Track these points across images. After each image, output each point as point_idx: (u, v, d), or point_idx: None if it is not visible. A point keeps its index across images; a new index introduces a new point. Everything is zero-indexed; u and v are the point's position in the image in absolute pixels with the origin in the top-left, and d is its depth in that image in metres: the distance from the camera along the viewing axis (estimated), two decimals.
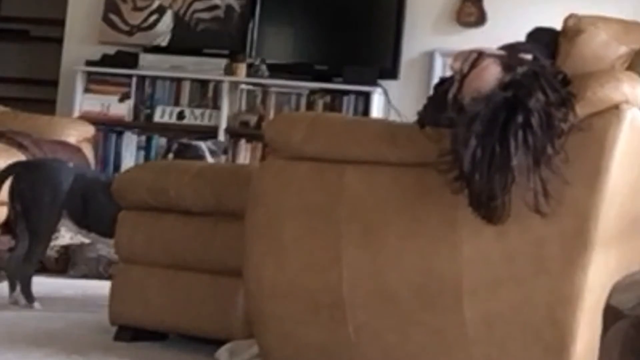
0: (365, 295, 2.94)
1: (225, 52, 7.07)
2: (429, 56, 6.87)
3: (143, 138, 7.08)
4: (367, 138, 2.99)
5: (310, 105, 6.86)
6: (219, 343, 3.40)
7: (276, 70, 6.97)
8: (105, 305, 3.77)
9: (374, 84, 6.77)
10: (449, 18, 6.90)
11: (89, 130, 6.45)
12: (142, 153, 7.05)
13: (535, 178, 2.67)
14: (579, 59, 3.10)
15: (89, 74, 7.15)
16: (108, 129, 7.08)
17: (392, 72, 6.83)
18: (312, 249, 3.00)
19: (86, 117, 6.82)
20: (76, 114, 7.02)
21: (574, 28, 3.16)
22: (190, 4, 7.17)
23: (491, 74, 2.77)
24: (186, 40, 7.16)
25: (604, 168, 2.72)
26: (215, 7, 7.13)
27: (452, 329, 2.85)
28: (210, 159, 4.52)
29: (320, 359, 3.04)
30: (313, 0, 7.22)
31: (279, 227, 3.06)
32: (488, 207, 2.70)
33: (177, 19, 7.18)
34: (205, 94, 7.07)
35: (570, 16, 3.21)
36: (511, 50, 2.95)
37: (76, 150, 6.10)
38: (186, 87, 7.10)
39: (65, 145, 6.06)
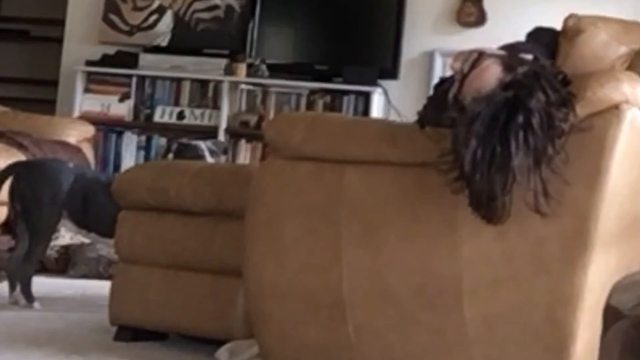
0: (365, 295, 2.94)
1: (225, 52, 7.07)
2: (429, 56, 6.87)
3: (143, 138, 7.08)
4: (367, 138, 2.99)
5: (310, 105, 6.87)
6: (219, 343, 3.40)
7: (276, 70, 6.97)
8: (105, 305, 3.77)
9: (374, 84, 6.77)
10: (449, 18, 6.90)
11: (89, 130, 6.45)
12: (142, 153, 7.05)
13: (536, 178, 2.67)
14: (579, 59, 3.10)
15: (89, 74, 7.15)
16: (108, 129, 7.08)
17: (392, 72, 6.83)
18: (312, 249, 3.00)
19: (86, 117, 6.82)
20: (76, 114, 7.02)
21: (574, 28, 3.16)
22: (190, 4, 7.17)
23: (492, 74, 2.77)
24: (186, 40, 7.16)
25: (604, 168, 2.72)
26: (215, 7, 7.13)
27: (452, 329, 2.84)
28: (210, 159, 4.52)
29: (320, 359, 3.04)
30: (313, 0, 7.22)
31: (278, 227, 3.06)
32: (488, 207, 2.70)
33: (177, 19, 7.18)
34: (205, 94, 7.07)
35: (570, 16, 3.21)
36: (511, 50, 2.95)
37: (76, 150, 6.10)
38: (186, 87, 7.10)
39: (65, 145, 6.07)
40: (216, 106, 6.99)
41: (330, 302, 2.97)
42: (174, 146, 4.72)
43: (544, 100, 2.68)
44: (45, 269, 5.33)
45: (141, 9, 7.21)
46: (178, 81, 7.09)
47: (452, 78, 2.89)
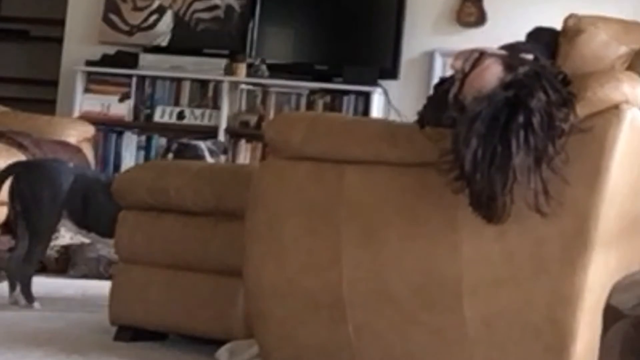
0: (365, 295, 2.94)
1: (225, 52, 7.07)
2: (429, 56, 6.87)
3: (143, 138, 7.08)
4: (367, 138, 2.99)
5: (310, 105, 6.87)
6: (219, 343, 3.40)
7: (276, 70, 6.97)
8: (105, 305, 3.77)
9: (374, 84, 6.77)
10: (449, 18, 6.91)
11: (89, 130, 6.45)
12: (142, 153, 7.06)
13: (536, 178, 2.67)
14: (579, 59, 3.10)
15: (89, 74, 7.16)
16: (108, 129, 7.08)
17: (392, 72, 6.84)
18: (311, 249, 3.00)
19: (86, 117, 6.82)
20: (76, 114, 7.02)
21: (574, 28, 3.16)
22: (190, 4, 7.17)
23: (493, 74, 2.77)
24: (186, 40, 7.16)
25: (604, 168, 2.72)
26: (215, 7, 7.13)
27: (452, 329, 2.84)
28: (209, 159, 4.52)
29: (320, 359, 3.04)
30: (313, 0, 7.22)
31: (279, 227, 3.06)
32: (488, 207, 2.70)
33: (177, 19, 7.18)
34: (205, 94, 7.07)
35: (570, 16, 3.22)
36: (512, 50, 2.95)
37: (76, 150, 6.10)
38: (186, 87, 7.10)
39: (65, 145, 6.07)
40: (216, 106, 6.99)
41: (330, 302, 2.97)
42: (174, 146, 4.72)
43: (545, 100, 2.68)
44: (45, 269, 5.34)
45: (141, 9, 7.22)
46: (178, 81, 7.10)
47: (452, 78, 2.89)
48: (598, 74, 2.85)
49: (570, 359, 2.74)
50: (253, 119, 6.94)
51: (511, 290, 2.79)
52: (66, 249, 5.66)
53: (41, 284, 4.63)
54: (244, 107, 7.02)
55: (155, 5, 7.21)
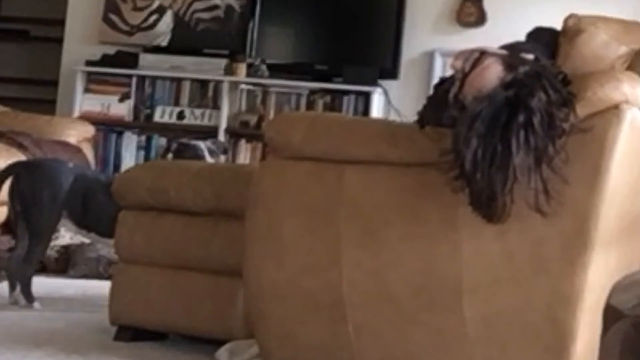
0: (365, 295, 2.94)
1: (225, 52, 7.07)
2: (429, 56, 6.87)
3: (143, 138, 7.08)
4: (367, 138, 2.99)
5: (310, 105, 6.87)
6: (219, 343, 3.40)
7: (276, 70, 6.97)
8: (105, 305, 3.77)
9: (374, 84, 6.77)
10: (449, 18, 6.91)
11: (89, 130, 6.45)
12: (142, 153, 7.06)
13: (536, 177, 2.67)
14: (579, 59, 3.10)
15: (89, 74, 7.16)
16: (108, 129, 7.08)
17: (392, 72, 6.84)
18: (311, 249, 3.00)
19: (86, 117, 6.82)
20: (76, 114, 7.02)
21: (574, 28, 3.16)
22: (190, 4, 7.17)
23: (493, 73, 2.77)
24: (186, 40, 7.16)
25: (604, 168, 2.72)
26: (215, 7, 7.13)
27: (452, 329, 2.84)
28: (209, 159, 4.52)
29: (320, 359, 3.04)
30: (313, 0, 7.22)
31: (278, 227, 3.06)
32: (489, 207, 2.70)
33: (177, 19, 7.18)
34: (205, 94, 7.07)
35: (570, 16, 3.21)
36: (512, 50, 2.95)
37: (76, 150, 6.10)
38: (186, 87, 7.10)
39: (65, 145, 6.07)
40: (216, 106, 6.99)
41: (330, 302, 2.97)
42: (174, 146, 4.72)
43: (545, 100, 2.68)
44: (45, 269, 5.34)
45: (141, 9, 7.22)
46: (178, 81, 7.10)
47: (452, 77, 2.89)
48: (598, 74, 2.85)
49: (570, 359, 2.74)
50: (253, 119, 6.94)
51: (511, 290, 2.79)
52: (66, 249, 5.66)
53: (41, 284, 4.63)
54: (244, 107, 7.02)
55: (155, 5, 7.21)
